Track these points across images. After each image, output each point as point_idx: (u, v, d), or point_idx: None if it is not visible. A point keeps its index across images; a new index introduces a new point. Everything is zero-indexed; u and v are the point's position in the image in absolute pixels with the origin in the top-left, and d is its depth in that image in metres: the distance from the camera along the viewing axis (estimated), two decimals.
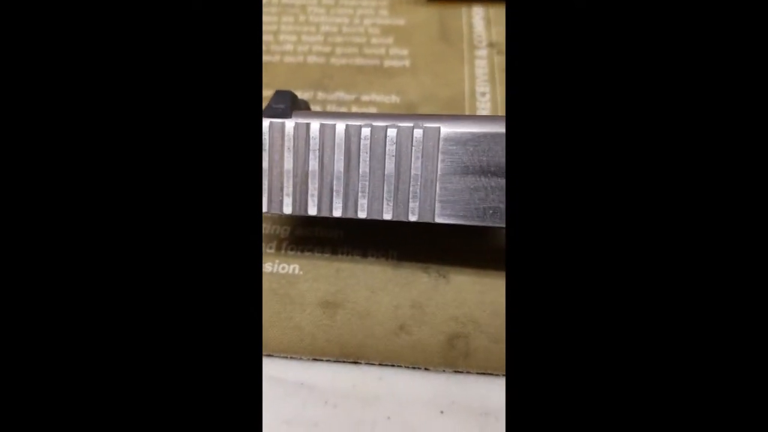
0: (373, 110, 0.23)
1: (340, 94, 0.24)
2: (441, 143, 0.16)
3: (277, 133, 0.16)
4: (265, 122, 0.16)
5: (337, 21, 0.27)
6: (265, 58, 0.25)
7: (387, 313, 0.18)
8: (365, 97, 0.24)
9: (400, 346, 0.18)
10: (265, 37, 0.26)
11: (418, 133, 0.16)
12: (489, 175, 0.15)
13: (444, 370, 0.17)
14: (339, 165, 0.16)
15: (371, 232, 0.20)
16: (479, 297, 0.18)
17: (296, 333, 0.18)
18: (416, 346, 0.18)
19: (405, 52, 0.25)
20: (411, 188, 0.16)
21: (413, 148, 0.16)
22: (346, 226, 0.20)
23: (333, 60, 0.25)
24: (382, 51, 0.25)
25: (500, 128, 0.15)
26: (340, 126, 0.16)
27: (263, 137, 0.16)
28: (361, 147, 0.16)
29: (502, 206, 0.15)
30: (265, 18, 0.27)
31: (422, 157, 0.16)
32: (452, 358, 0.17)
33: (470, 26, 0.26)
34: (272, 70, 0.25)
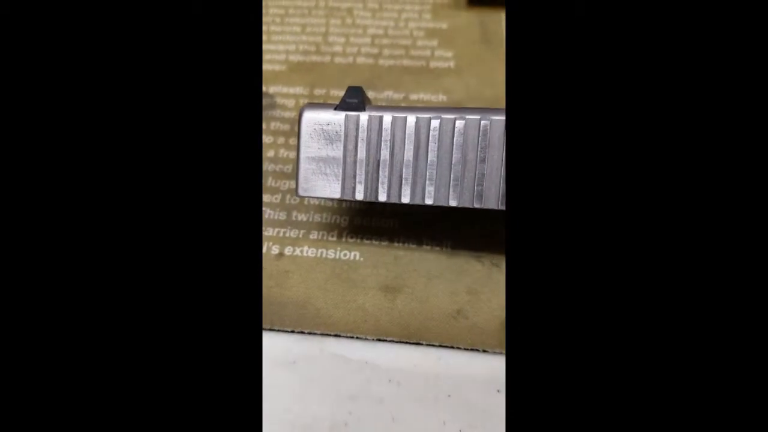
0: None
1: (389, 93, 0.26)
2: (504, 134, 0.17)
3: (352, 125, 0.18)
4: (341, 115, 0.18)
5: (383, 24, 0.28)
6: (316, 58, 0.27)
7: (444, 298, 0.20)
8: (413, 96, 0.25)
9: (457, 329, 0.19)
10: (314, 39, 0.28)
11: (484, 124, 0.17)
12: None
13: (500, 352, 0.19)
14: (408, 154, 0.18)
15: (424, 222, 0.21)
16: None
17: (360, 314, 0.19)
18: (473, 329, 0.19)
19: (449, 54, 0.27)
20: (477, 176, 0.17)
21: (480, 138, 0.17)
22: (399, 216, 0.22)
23: (381, 61, 0.27)
24: (428, 53, 0.27)
25: None
26: (411, 118, 0.18)
27: (339, 129, 0.18)
28: (430, 138, 0.17)
29: None
30: (312, 20, 0.29)
31: (488, 146, 0.17)
32: None
33: None
34: (323, 70, 0.26)
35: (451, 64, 0.27)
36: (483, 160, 0.17)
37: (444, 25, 0.29)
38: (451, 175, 0.18)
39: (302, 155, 0.18)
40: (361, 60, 0.27)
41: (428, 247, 0.21)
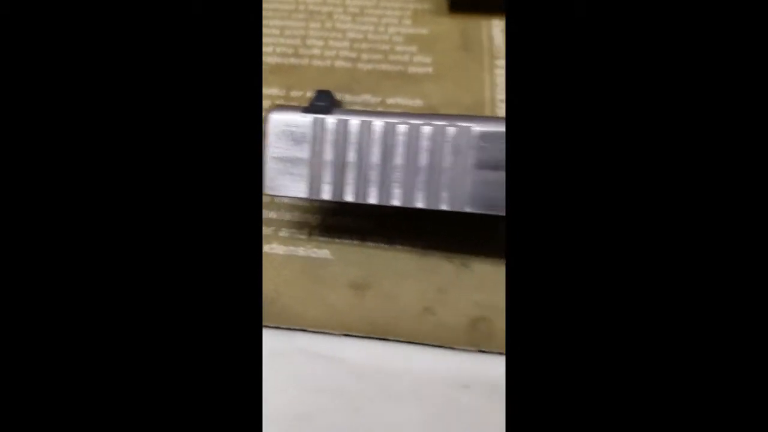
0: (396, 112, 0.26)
1: (367, 97, 0.26)
2: (472, 140, 0.18)
3: (319, 127, 0.18)
4: (309, 118, 0.18)
5: (362, 29, 0.29)
6: (294, 60, 0.28)
7: (413, 296, 0.20)
8: (390, 100, 0.26)
9: (425, 325, 0.20)
10: (293, 41, 0.29)
11: (451, 130, 0.18)
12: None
13: (468, 349, 0.19)
14: (375, 157, 0.18)
15: (399, 224, 0.22)
16: (499, 284, 0.20)
17: (328, 310, 0.20)
18: (440, 326, 0.20)
19: (428, 59, 0.28)
20: (443, 180, 0.18)
21: (445, 144, 0.18)
22: (374, 217, 0.22)
23: (360, 65, 0.28)
24: (406, 58, 0.28)
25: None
26: (378, 123, 0.18)
27: (307, 131, 0.18)
28: (398, 142, 0.18)
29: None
30: (292, 23, 0.29)
31: (453, 152, 0.18)
32: (476, 338, 0.19)
33: (490, 37, 0.29)
34: (301, 73, 0.27)
35: (430, 69, 0.27)
36: (451, 165, 0.18)
37: (424, 31, 0.29)
38: (418, 178, 0.18)
39: (269, 155, 0.19)
40: (339, 64, 0.28)
41: (400, 247, 0.22)
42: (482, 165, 0.18)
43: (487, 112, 0.26)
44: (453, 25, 0.29)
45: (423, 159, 0.18)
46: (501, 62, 0.27)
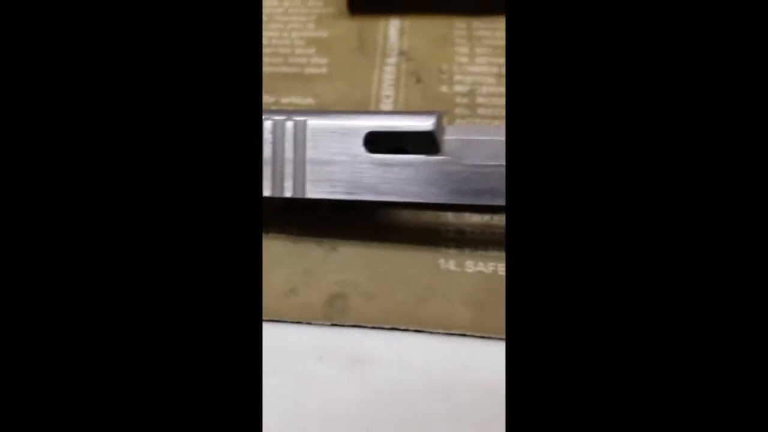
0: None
1: (264, 98, 0.28)
2: (308, 132, 0.20)
3: None
4: None
5: (268, 35, 0.32)
6: None
7: (281, 279, 0.22)
8: (284, 100, 0.28)
9: (289, 306, 0.22)
10: None
11: (289, 124, 0.20)
12: (348, 155, 0.20)
13: (325, 324, 0.21)
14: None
15: (272, 212, 0.24)
16: (361, 264, 0.23)
17: None
18: (302, 305, 0.22)
19: (324, 60, 0.30)
20: (285, 170, 0.20)
21: (285, 136, 0.20)
22: None
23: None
24: (304, 60, 0.30)
25: (356, 121, 0.20)
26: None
27: None
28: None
29: (365, 180, 0.20)
30: None
31: (294, 144, 0.20)
32: (331, 313, 0.22)
33: (386, 36, 0.31)
34: None
35: (324, 70, 0.30)
36: (290, 155, 0.20)
37: (324, 34, 0.31)
38: (265, 169, 0.20)
39: None
40: None
41: (274, 235, 0.24)
42: (316, 155, 0.20)
43: (372, 107, 0.28)
44: (352, 27, 0.31)
45: (267, 151, 0.20)
46: (392, 60, 0.30)
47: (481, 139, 0.22)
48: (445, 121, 0.26)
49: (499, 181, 0.20)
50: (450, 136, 0.22)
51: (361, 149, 0.20)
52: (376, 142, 0.20)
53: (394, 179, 0.19)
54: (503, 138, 0.21)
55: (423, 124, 0.19)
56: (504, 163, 0.19)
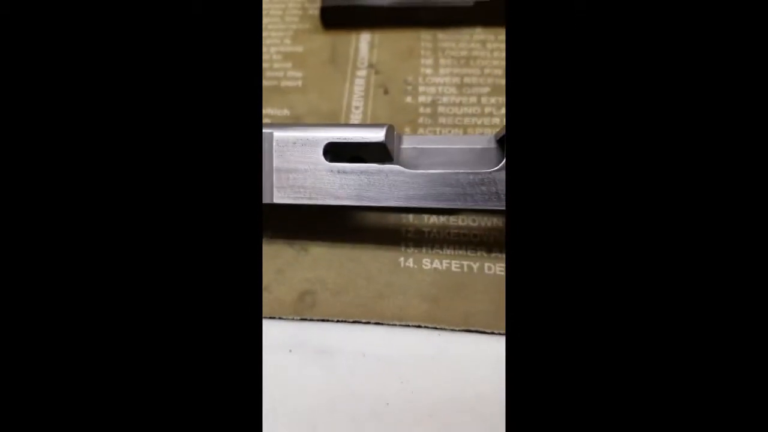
0: (267, 122, 0.30)
1: None
2: (274, 143, 0.22)
3: None
4: None
5: None
6: None
7: None
8: (262, 112, 0.30)
9: (262, 302, 0.24)
10: None
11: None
12: (309, 164, 0.22)
13: (294, 318, 0.24)
14: None
15: None
16: (329, 263, 0.25)
17: None
18: (275, 301, 0.24)
19: (299, 74, 0.32)
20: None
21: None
22: None
23: None
24: (281, 74, 0.32)
25: (316, 134, 0.22)
26: None
27: None
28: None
29: (324, 186, 0.22)
30: None
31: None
32: (301, 309, 0.24)
33: (356, 50, 0.33)
34: None
35: (299, 83, 0.32)
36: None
37: (300, 49, 0.34)
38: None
39: None
40: None
41: None
42: (279, 167, 0.22)
43: (343, 117, 0.30)
44: (325, 41, 0.34)
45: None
46: (362, 72, 0.32)
47: (435, 147, 0.24)
48: (408, 130, 0.28)
49: (450, 187, 0.22)
50: (406, 145, 0.24)
51: (321, 158, 0.22)
52: (337, 152, 0.23)
53: (350, 185, 0.22)
54: (456, 146, 0.23)
55: (374, 135, 0.21)
56: (456, 170, 0.21)
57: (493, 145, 0.22)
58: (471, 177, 0.21)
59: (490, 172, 0.21)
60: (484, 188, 0.21)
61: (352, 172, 0.22)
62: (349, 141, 0.22)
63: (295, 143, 0.22)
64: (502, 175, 0.21)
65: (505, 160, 0.21)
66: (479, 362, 0.22)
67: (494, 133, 0.23)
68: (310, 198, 0.22)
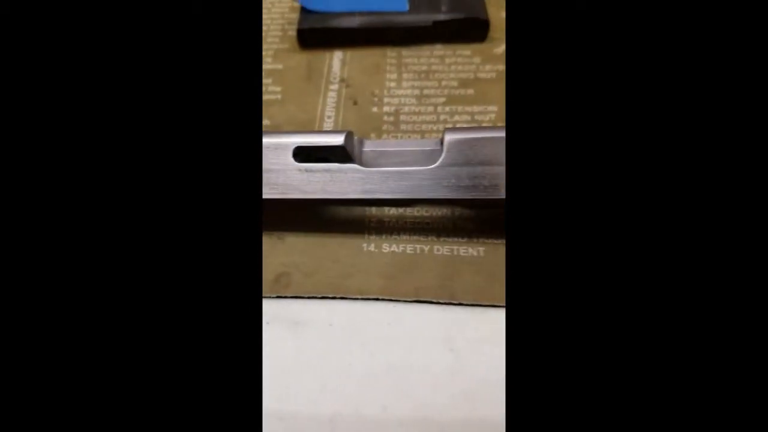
0: None
1: None
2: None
3: None
4: None
5: None
6: None
7: None
8: None
9: None
10: None
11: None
12: (281, 164, 0.26)
13: (271, 296, 0.28)
14: None
15: None
16: (302, 250, 0.29)
17: None
18: None
19: (279, 88, 0.37)
20: None
21: None
22: None
23: None
24: (263, 89, 0.37)
25: (287, 139, 0.26)
26: None
27: None
28: None
29: (294, 183, 0.26)
30: None
31: None
32: (277, 288, 0.28)
33: (330, 66, 0.38)
34: None
35: (279, 96, 0.36)
36: None
37: (280, 66, 0.38)
38: None
39: None
40: None
41: None
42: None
43: (316, 127, 0.34)
44: (302, 59, 0.38)
45: None
46: (334, 86, 0.36)
47: (392, 149, 0.28)
48: (373, 136, 0.33)
49: (404, 182, 0.26)
50: (368, 148, 0.28)
51: (290, 160, 0.26)
52: (307, 154, 0.27)
53: (316, 182, 0.26)
54: (409, 148, 0.28)
55: (335, 140, 0.25)
56: (410, 167, 0.26)
57: (438, 147, 0.27)
58: (416, 173, 0.25)
59: (431, 169, 0.25)
60: (428, 182, 0.25)
61: (317, 170, 0.26)
62: (314, 145, 0.26)
63: (268, 147, 0.26)
64: (443, 170, 0.25)
65: (441, 158, 0.25)
66: (428, 328, 0.26)
67: (439, 137, 0.27)
68: (282, 193, 0.26)
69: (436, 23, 0.36)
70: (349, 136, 0.26)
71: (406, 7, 0.37)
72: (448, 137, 0.25)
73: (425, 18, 0.36)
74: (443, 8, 0.37)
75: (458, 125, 0.33)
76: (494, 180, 0.24)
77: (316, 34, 0.38)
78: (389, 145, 0.28)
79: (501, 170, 0.24)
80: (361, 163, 0.27)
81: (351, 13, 0.37)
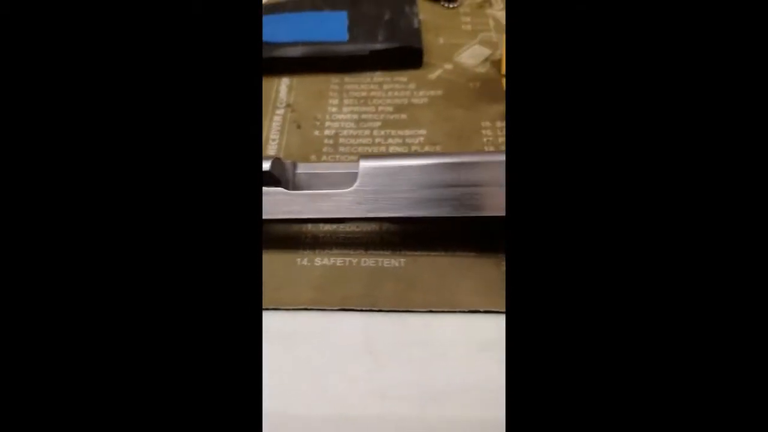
0: None
1: None
2: None
3: None
4: None
5: None
6: None
7: None
8: None
9: None
10: None
11: None
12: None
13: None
14: None
15: None
16: None
17: None
18: None
19: None
20: None
21: None
22: None
23: None
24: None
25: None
26: None
27: None
28: None
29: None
30: None
31: None
32: None
33: (277, 92, 0.40)
34: None
35: None
36: None
37: None
38: None
39: None
40: None
41: None
42: None
43: (263, 149, 0.37)
44: None
45: None
46: (280, 111, 0.39)
47: (322, 172, 0.31)
48: (314, 158, 0.36)
49: (337, 204, 0.29)
50: (301, 171, 0.31)
51: None
52: None
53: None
54: (337, 171, 0.31)
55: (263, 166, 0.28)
56: (340, 189, 0.28)
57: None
58: (334, 194, 0.28)
59: (348, 192, 0.28)
60: (348, 200, 0.28)
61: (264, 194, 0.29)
62: None
63: None
64: (359, 194, 0.28)
65: (357, 182, 0.28)
66: (351, 333, 0.28)
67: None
68: None
69: (373, 52, 0.39)
70: (276, 162, 0.29)
71: (346, 37, 0.40)
72: (362, 164, 0.28)
73: (363, 47, 0.39)
74: (380, 38, 0.39)
75: (390, 148, 0.36)
76: (398, 202, 0.27)
77: (264, 63, 0.41)
78: (319, 167, 0.31)
79: (407, 194, 0.27)
80: (294, 185, 0.29)
81: (294, 43, 0.40)
